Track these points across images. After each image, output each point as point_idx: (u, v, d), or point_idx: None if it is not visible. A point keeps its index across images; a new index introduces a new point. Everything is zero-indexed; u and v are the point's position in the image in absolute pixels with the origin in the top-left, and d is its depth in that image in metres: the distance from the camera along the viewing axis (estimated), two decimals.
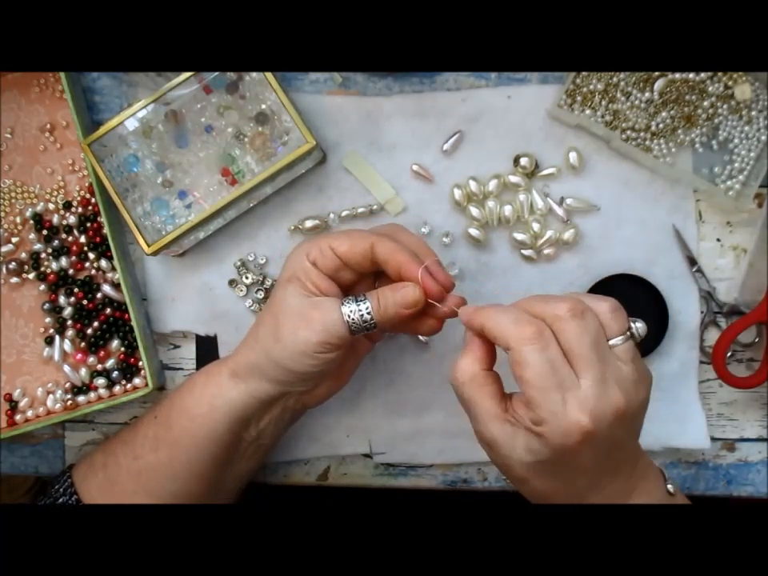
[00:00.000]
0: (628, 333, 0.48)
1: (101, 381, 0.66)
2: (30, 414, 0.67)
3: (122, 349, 0.67)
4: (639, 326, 0.49)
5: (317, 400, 0.59)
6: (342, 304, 0.53)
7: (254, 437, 0.58)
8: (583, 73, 0.64)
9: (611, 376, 0.46)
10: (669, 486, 0.52)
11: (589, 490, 0.49)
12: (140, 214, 0.62)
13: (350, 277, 0.55)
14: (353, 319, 0.52)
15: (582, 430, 0.45)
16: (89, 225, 0.67)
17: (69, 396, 0.67)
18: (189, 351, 0.68)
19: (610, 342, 0.47)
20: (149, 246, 0.61)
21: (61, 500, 0.58)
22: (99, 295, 0.67)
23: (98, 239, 0.67)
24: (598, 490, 0.49)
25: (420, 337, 0.66)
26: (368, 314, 0.52)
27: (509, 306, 0.49)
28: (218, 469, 0.58)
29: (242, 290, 0.67)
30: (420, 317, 0.55)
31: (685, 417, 0.65)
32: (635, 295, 0.64)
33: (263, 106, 0.61)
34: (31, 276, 0.68)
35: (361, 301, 0.52)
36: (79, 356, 0.67)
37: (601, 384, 0.46)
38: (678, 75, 0.63)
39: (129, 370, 0.67)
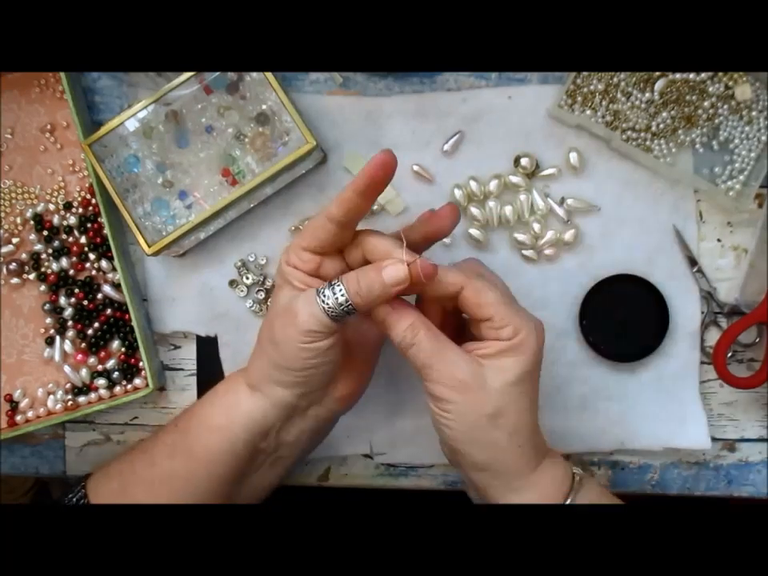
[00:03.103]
0: None
1: (101, 381, 0.66)
2: (30, 414, 0.67)
3: (123, 349, 0.67)
4: None
5: (343, 404, 0.58)
6: (316, 292, 0.51)
7: (272, 448, 0.57)
8: (583, 73, 0.64)
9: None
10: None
11: (534, 423, 0.54)
12: (140, 215, 0.62)
13: (336, 267, 0.54)
14: (328, 305, 0.50)
15: (543, 327, 0.53)
16: (89, 225, 0.67)
17: (69, 396, 0.67)
18: (189, 352, 0.68)
19: None
20: (149, 246, 0.61)
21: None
22: (100, 296, 0.67)
23: (98, 240, 0.67)
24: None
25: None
26: (342, 296, 0.50)
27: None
28: (234, 481, 0.57)
29: (242, 291, 0.67)
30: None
31: (685, 417, 0.65)
32: (635, 295, 0.64)
33: (264, 107, 0.61)
34: (32, 276, 0.68)
35: (335, 285, 0.51)
36: (80, 356, 0.67)
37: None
38: (678, 75, 0.63)
39: (129, 370, 0.67)
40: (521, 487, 0.52)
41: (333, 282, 0.51)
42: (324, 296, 0.51)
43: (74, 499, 0.57)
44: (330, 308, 0.51)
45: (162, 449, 0.57)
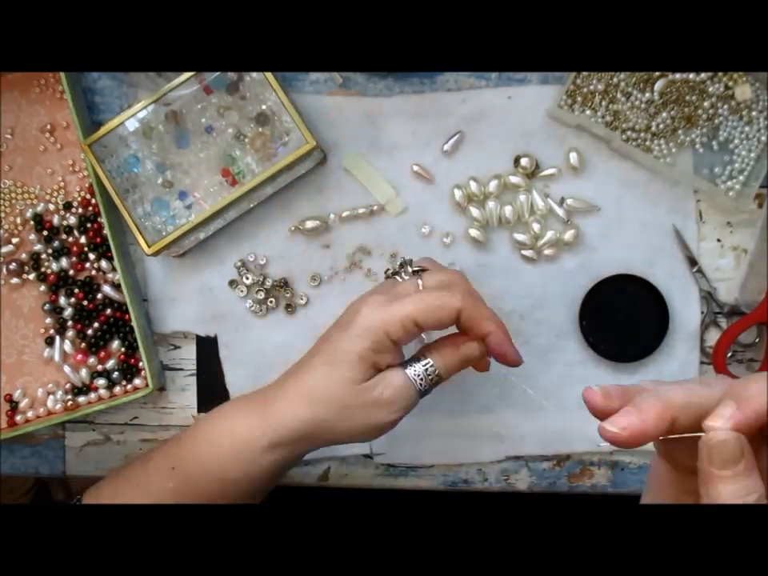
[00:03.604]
0: None
1: (101, 381, 0.66)
2: (30, 414, 0.67)
3: (123, 349, 0.67)
4: None
5: None
6: (406, 369, 0.51)
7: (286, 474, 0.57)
8: (583, 73, 0.64)
9: None
10: None
11: None
12: (140, 215, 0.62)
13: None
14: (421, 383, 0.51)
15: None
16: (89, 225, 0.67)
17: (69, 396, 0.67)
18: (189, 352, 0.68)
19: None
20: (149, 246, 0.61)
21: None
22: (99, 296, 0.67)
23: (98, 240, 0.67)
24: None
25: (421, 336, 0.66)
26: (436, 374, 0.52)
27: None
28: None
29: (242, 291, 0.67)
30: None
31: None
32: (635, 295, 0.64)
33: (263, 107, 0.61)
34: (31, 277, 0.68)
35: (426, 363, 0.52)
36: (79, 356, 0.67)
37: None
38: (678, 75, 0.63)
39: (129, 370, 0.67)
40: None
41: (422, 361, 0.52)
42: (416, 374, 0.51)
43: None
44: (422, 385, 0.51)
45: (162, 493, 0.54)
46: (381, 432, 0.52)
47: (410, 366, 0.51)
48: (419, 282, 0.53)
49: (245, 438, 0.52)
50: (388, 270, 0.56)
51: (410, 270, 0.54)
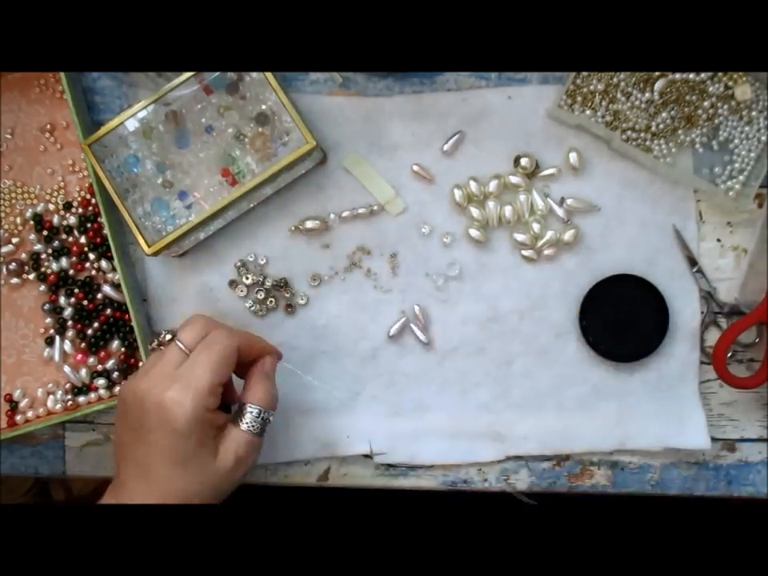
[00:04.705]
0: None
1: (101, 381, 0.66)
2: (30, 414, 0.67)
3: (123, 349, 0.67)
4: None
5: None
6: (240, 425, 0.55)
7: None
8: (583, 73, 0.64)
9: None
10: None
11: None
12: (140, 215, 0.62)
13: None
14: (257, 429, 0.56)
15: None
16: (89, 225, 0.67)
17: (69, 396, 0.67)
18: None
19: None
20: (149, 246, 0.61)
21: None
22: (99, 296, 0.67)
23: (98, 240, 0.67)
24: None
25: (420, 337, 0.66)
26: (263, 414, 0.56)
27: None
28: None
29: (242, 291, 0.67)
30: None
31: (685, 417, 0.65)
32: (635, 295, 0.64)
33: (263, 107, 0.61)
34: (31, 276, 0.68)
35: (251, 411, 0.55)
36: (79, 356, 0.67)
37: None
38: (678, 75, 0.63)
39: (129, 370, 0.67)
40: None
41: (248, 410, 0.56)
42: (251, 425, 0.55)
43: None
44: (259, 430, 0.56)
45: None
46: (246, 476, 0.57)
47: (241, 420, 0.56)
48: (180, 345, 0.55)
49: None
50: (153, 342, 0.58)
51: (166, 339, 0.57)
